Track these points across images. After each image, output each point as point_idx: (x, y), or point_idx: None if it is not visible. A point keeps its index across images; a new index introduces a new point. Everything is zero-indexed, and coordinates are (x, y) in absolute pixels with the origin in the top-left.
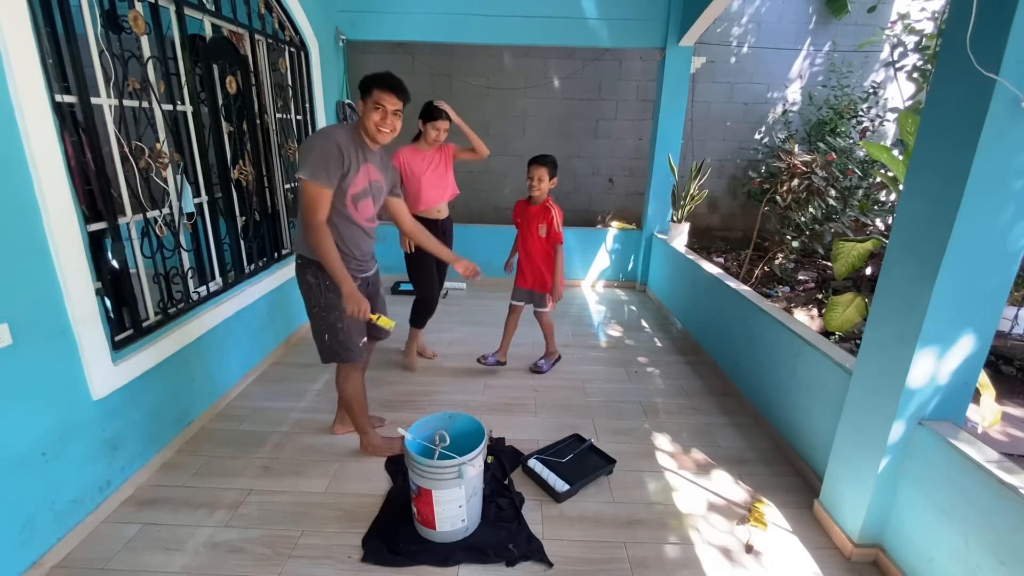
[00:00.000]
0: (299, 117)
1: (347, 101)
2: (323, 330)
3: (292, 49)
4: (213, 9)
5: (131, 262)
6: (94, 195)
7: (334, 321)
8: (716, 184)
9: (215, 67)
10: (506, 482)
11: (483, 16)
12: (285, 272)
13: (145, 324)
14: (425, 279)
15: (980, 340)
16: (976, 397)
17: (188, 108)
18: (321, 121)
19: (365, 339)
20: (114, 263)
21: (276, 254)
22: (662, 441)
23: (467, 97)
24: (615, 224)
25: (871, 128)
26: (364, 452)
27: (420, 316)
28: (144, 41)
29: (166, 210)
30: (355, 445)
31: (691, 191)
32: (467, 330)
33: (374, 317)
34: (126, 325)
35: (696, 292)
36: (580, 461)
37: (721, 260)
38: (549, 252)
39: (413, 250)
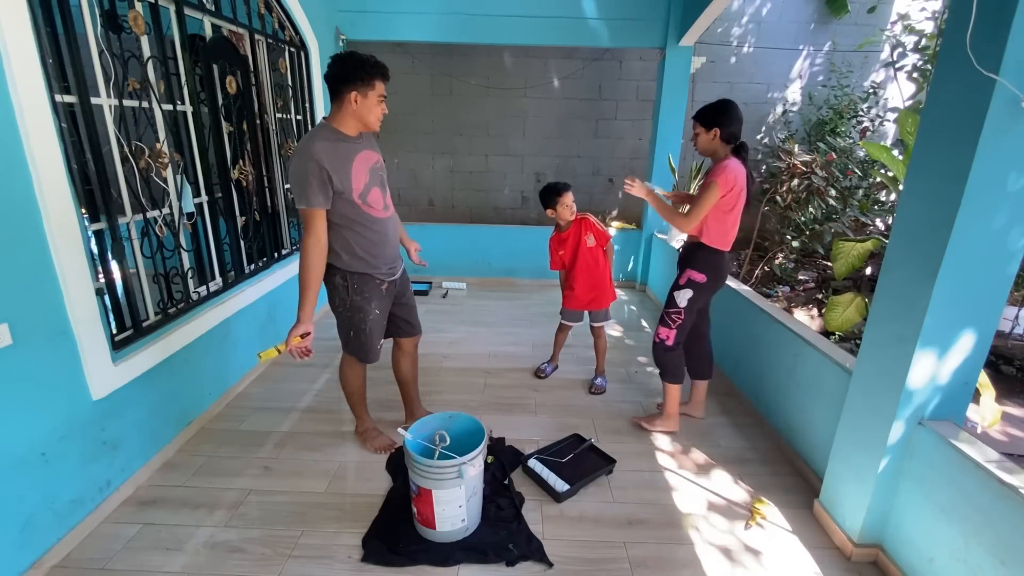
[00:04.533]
0: (299, 117)
1: None
2: (348, 328)
3: (292, 49)
4: (213, 9)
5: (131, 262)
6: (94, 195)
7: (358, 322)
8: None
9: (215, 67)
10: (506, 482)
11: (483, 16)
12: (285, 272)
13: (145, 324)
14: None
15: (980, 340)
16: (976, 397)
17: (188, 108)
18: None
19: (382, 343)
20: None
21: (276, 254)
22: (662, 441)
23: (467, 97)
24: (615, 224)
25: (871, 128)
26: (357, 437)
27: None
28: (144, 41)
29: (166, 210)
30: (355, 445)
31: (691, 191)
32: (467, 330)
33: (278, 350)
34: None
35: None
36: (580, 461)
37: None
38: (602, 261)
39: None
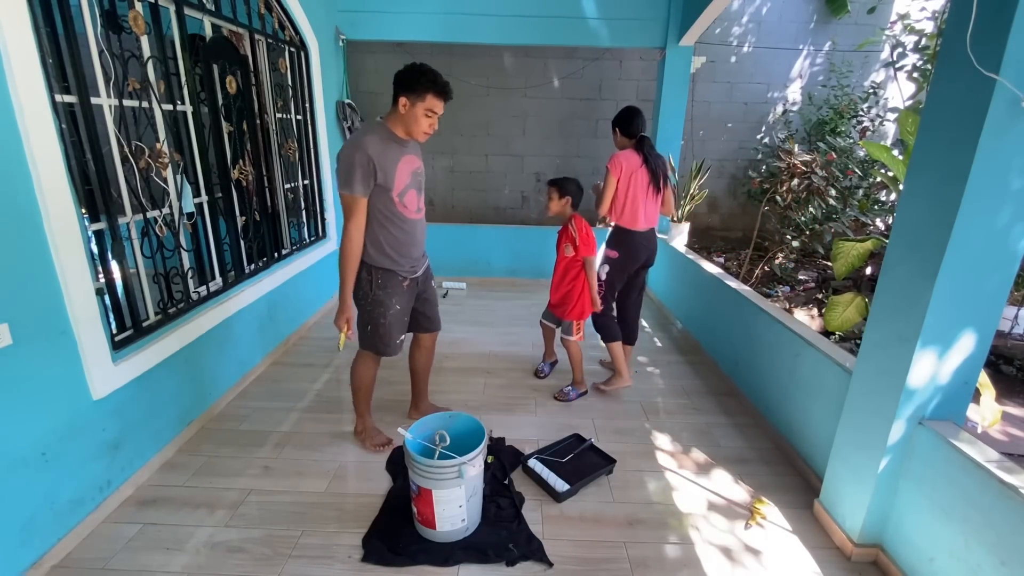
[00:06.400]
0: (299, 117)
1: (347, 101)
2: (367, 322)
3: (292, 49)
4: (213, 9)
5: (131, 262)
6: (94, 195)
7: (378, 316)
8: (716, 184)
9: (215, 67)
10: (506, 482)
11: (483, 16)
12: (285, 272)
13: (145, 324)
14: None
15: (980, 340)
16: (976, 397)
17: (188, 108)
18: (321, 121)
19: (403, 337)
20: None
21: (276, 254)
22: (662, 441)
23: (467, 97)
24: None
25: (871, 128)
26: (355, 435)
27: None
28: (144, 41)
29: (166, 210)
30: (355, 445)
31: (691, 191)
32: (467, 330)
33: (346, 334)
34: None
35: (696, 292)
36: (580, 461)
37: (721, 260)
38: (571, 275)
39: None
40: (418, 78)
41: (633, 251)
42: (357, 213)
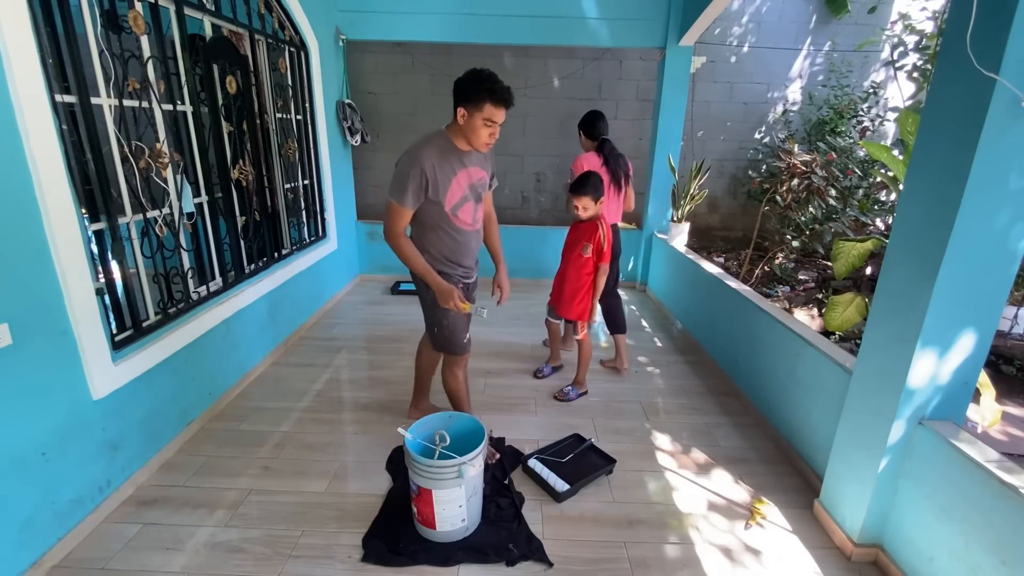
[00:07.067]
0: (299, 117)
1: (347, 101)
2: (432, 323)
3: (292, 49)
4: (213, 9)
5: (131, 262)
6: (94, 195)
7: (440, 318)
8: (716, 184)
9: (215, 67)
10: (506, 482)
11: (483, 16)
12: (285, 272)
13: (145, 324)
14: None
15: (980, 340)
16: (976, 397)
17: (188, 108)
18: (321, 121)
19: (468, 335)
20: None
21: (276, 254)
22: (662, 441)
23: None
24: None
25: (871, 128)
26: (410, 414)
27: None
28: (144, 41)
29: (166, 210)
30: (355, 445)
31: (691, 191)
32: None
33: (466, 307)
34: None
35: (696, 292)
36: (580, 461)
37: (721, 260)
38: (584, 275)
39: None
40: (474, 87)
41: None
42: (400, 221)
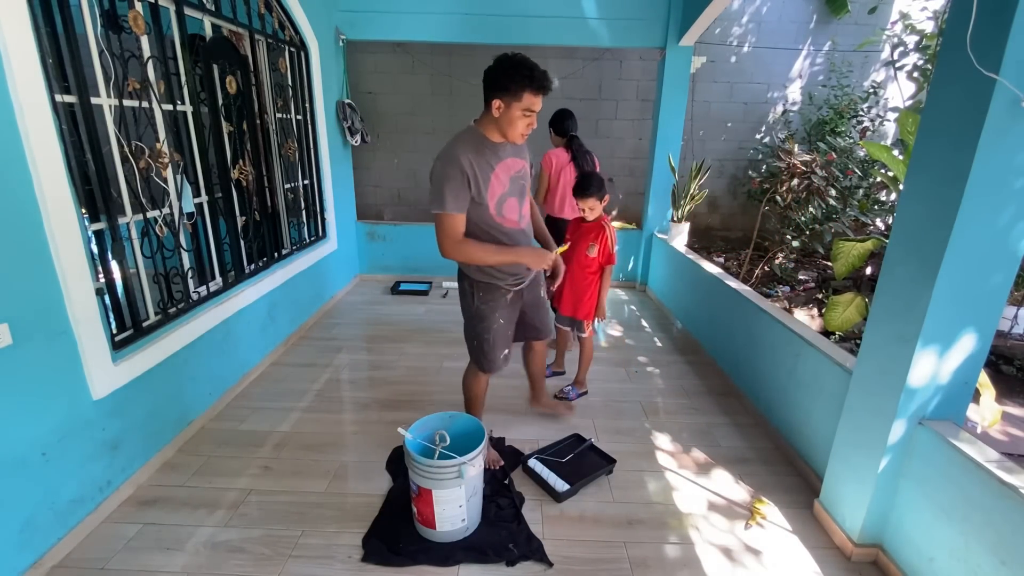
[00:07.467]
0: (299, 117)
1: (347, 101)
2: (472, 336)
3: (292, 49)
4: (213, 9)
5: (131, 262)
6: (94, 195)
7: (482, 332)
8: (716, 184)
9: (215, 67)
10: (506, 482)
11: (483, 16)
12: (285, 272)
13: (145, 324)
14: None
15: (980, 340)
16: (976, 397)
17: (188, 108)
18: (321, 121)
19: (508, 351)
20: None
21: (276, 254)
22: (662, 441)
23: (467, 97)
24: (615, 224)
25: (871, 128)
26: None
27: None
28: (144, 41)
29: (166, 210)
30: (355, 445)
31: (691, 191)
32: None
33: (562, 249)
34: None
35: (696, 292)
36: (580, 461)
37: (721, 260)
38: (589, 274)
39: None
40: (511, 75)
41: (561, 236)
42: (453, 230)
